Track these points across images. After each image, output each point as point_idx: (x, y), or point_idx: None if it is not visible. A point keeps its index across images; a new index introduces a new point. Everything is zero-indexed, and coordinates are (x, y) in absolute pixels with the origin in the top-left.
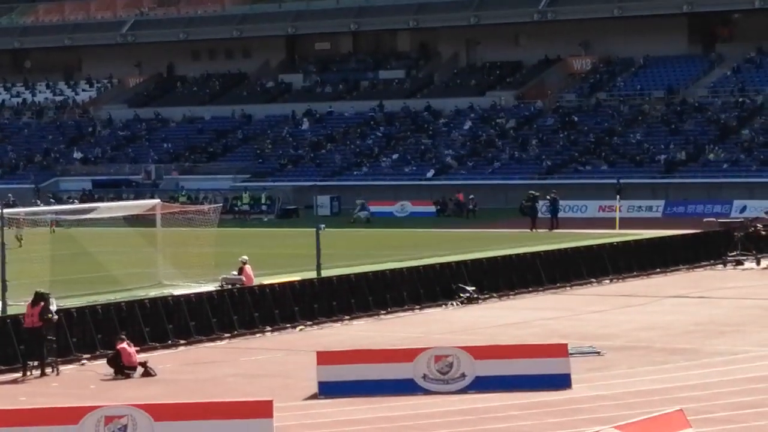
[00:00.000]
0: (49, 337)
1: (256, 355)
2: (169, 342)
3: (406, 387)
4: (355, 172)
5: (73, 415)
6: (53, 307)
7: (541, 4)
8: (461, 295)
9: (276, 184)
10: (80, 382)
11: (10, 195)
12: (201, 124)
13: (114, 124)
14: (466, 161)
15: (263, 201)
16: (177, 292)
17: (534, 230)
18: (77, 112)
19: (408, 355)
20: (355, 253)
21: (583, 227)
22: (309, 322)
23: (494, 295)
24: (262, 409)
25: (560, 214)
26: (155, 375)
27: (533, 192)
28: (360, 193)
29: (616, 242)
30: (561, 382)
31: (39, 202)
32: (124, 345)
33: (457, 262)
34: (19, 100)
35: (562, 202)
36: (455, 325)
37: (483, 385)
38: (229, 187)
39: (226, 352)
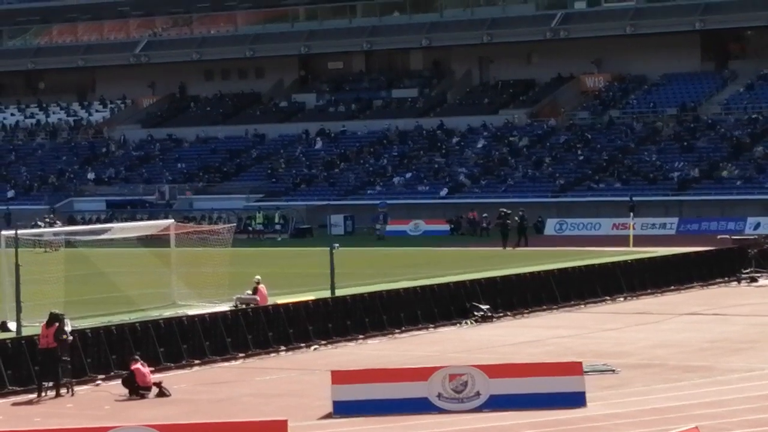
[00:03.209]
0: (63, 358)
1: (271, 375)
2: (184, 362)
3: (420, 406)
4: (368, 191)
5: None
6: (68, 328)
7: (554, 22)
8: (475, 313)
9: (289, 203)
10: (95, 402)
11: (52, 215)
12: (214, 144)
13: (128, 144)
14: (479, 179)
15: (277, 220)
16: (191, 312)
17: (506, 248)
18: (91, 133)
19: (422, 374)
20: (369, 272)
21: (597, 245)
22: (323, 342)
23: (508, 313)
24: (277, 429)
25: (573, 232)
26: (170, 395)
27: (504, 210)
28: (374, 212)
29: (630, 260)
30: (576, 400)
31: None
32: (138, 365)
33: (471, 281)
34: (33, 121)
35: (575, 220)
36: (470, 344)
37: (498, 403)
38: (242, 206)
39: (240, 371)
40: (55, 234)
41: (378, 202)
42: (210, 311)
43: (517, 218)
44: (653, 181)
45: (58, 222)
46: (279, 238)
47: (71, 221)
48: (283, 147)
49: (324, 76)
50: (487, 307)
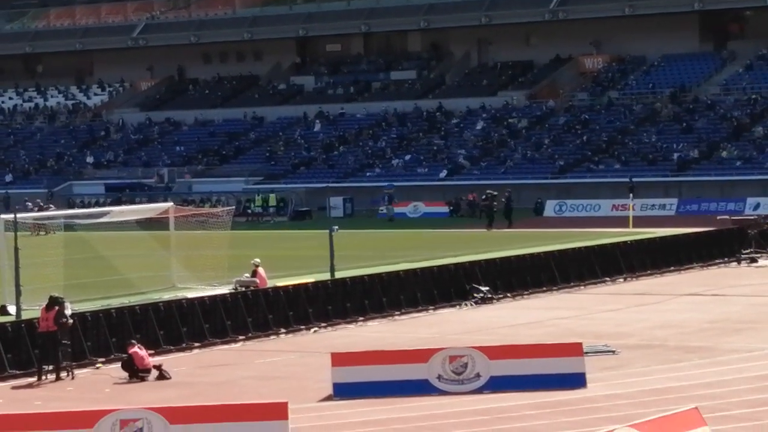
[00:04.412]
0: (63, 342)
1: (271, 357)
2: (184, 345)
3: (420, 388)
4: (367, 173)
5: (89, 418)
6: (68, 311)
7: (552, 3)
8: (475, 295)
9: (289, 186)
10: (95, 385)
11: (38, 200)
12: (213, 127)
13: (126, 127)
14: (478, 161)
15: (271, 203)
16: (191, 294)
17: (490, 230)
18: (89, 116)
19: (422, 355)
20: (369, 254)
21: (597, 226)
22: (323, 324)
23: (508, 294)
24: (277, 411)
25: (572, 214)
26: (170, 378)
27: (491, 191)
28: (373, 194)
29: (630, 241)
30: (576, 381)
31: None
32: (136, 349)
33: (471, 263)
34: (32, 104)
35: (575, 202)
36: (469, 326)
37: (498, 385)
38: (241, 189)
39: (240, 354)
40: (53, 218)
41: (385, 184)
42: (209, 294)
43: (503, 200)
44: (653, 162)
45: (51, 206)
46: (278, 221)
47: (71, 206)
48: (282, 129)
49: (322, 59)
50: (487, 288)
